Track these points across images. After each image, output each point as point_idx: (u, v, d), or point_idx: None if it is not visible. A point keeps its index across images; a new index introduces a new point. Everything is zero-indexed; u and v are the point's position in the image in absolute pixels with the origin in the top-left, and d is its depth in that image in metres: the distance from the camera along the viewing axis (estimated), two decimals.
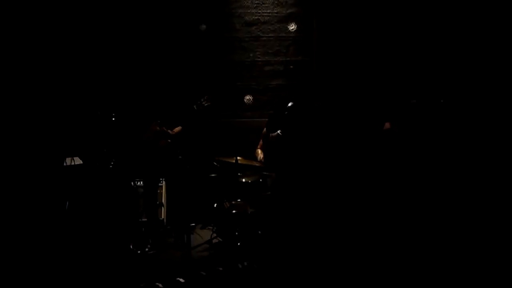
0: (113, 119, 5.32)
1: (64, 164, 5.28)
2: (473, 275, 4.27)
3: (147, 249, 5.15)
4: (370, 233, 5.02)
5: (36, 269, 4.67)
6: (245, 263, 4.83)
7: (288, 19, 6.40)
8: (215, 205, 5.31)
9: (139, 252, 5.11)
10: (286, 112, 5.22)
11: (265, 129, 5.52)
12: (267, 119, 5.50)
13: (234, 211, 5.14)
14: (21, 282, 4.45)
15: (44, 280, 4.51)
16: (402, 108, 5.05)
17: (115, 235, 5.28)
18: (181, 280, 4.77)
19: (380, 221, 5.06)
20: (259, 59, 6.40)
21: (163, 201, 5.72)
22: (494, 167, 5.24)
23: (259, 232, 5.11)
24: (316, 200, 5.19)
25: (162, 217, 5.73)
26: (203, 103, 5.46)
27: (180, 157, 5.46)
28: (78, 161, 5.40)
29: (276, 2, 6.40)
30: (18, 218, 5.15)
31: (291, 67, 6.30)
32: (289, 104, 5.22)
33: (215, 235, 5.35)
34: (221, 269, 4.87)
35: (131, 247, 5.13)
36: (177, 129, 5.54)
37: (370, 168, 5.22)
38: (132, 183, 5.54)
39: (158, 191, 5.67)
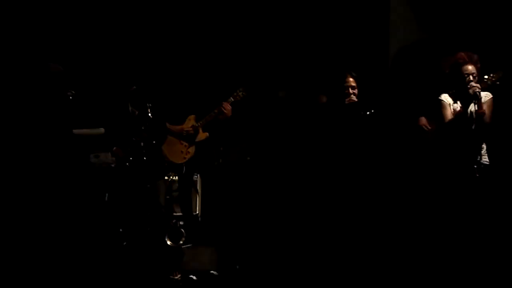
0: (149, 111, 5.38)
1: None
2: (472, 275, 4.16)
3: (181, 243, 5.22)
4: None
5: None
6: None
7: None
8: None
9: (173, 245, 5.18)
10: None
11: None
12: None
13: None
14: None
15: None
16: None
17: (150, 229, 5.38)
18: (215, 273, 4.88)
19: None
20: None
21: (198, 195, 5.79)
22: None
23: None
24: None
25: (197, 211, 5.80)
26: (239, 94, 5.50)
27: (221, 148, 5.54)
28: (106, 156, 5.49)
29: None
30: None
31: None
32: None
33: None
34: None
35: (166, 240, 5.21)
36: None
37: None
38: (166, 177, 5.64)
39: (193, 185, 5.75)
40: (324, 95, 5.59)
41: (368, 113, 4.94)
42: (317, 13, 6.27)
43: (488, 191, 4.36)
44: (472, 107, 4.31)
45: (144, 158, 5.32)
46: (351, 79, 4.98)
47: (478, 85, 4.27)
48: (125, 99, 5.52)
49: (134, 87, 5.44)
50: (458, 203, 4.35)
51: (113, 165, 5.43)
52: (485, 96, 4.36)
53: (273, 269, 4.81)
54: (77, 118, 5.47)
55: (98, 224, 5.16)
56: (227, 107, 5.45)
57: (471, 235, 4.28)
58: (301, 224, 5.19)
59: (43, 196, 5.02)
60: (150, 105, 5.31)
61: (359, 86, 4.98)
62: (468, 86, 4.27)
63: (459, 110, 4.41)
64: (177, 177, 5.68)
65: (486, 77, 4.52)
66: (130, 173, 5.42)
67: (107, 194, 5.33)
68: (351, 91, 4.96)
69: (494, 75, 4.55)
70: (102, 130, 5.54)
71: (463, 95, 4.36)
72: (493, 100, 4.40)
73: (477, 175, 4.34)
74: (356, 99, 4.97)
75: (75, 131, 5.32)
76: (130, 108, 5.36)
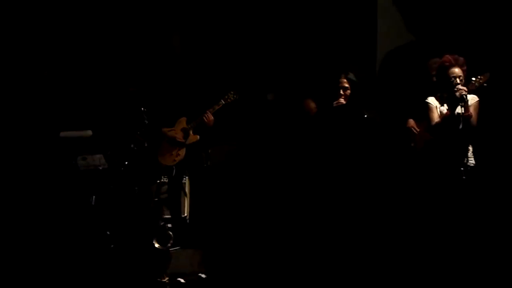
0: (144, 117, 5.37)
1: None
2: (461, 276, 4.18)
3: (169, 245, 5.21)
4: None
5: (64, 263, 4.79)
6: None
7: None
8: None
9: (162, 248, 5.17)
10: None
11: None
12: None
13: None
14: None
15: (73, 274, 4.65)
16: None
17: (138, 231, 5.36)
18: (203, 276, 4.87)
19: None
20: None
21: (187, 198, 5.78)
22: None
23: None
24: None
25: (185, 214, 5.79)
26: (231, 97, 5.52)
27: (210, 151, 5.55)
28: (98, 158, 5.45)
29: None
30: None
31: None
32: None
33: None
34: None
35: (154, 243, 5.20)
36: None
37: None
38: (158, 180, 5.63)
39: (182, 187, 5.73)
40: (311, 99, 5.61)
41: (365, 116, 4.97)
42: (305, 18, 6.30)
43: (474, 192, 4.39)
44: (459, 110, 4.33)
45: (139, 161, 5.33)
46: (344, 80, 5.01)
47: (464, 88, 4.29)
48: (122, 102, 5.53)
49: (132, 88, 5.45)
50: (445, 205, 4.37)
51: (100, 168, 5.40)
52: (472, 98, 4.38)
53: (262, 271, 4.81)
54: (71, 120, 5.49)
55: (85, 227, 5.15)
56: (209, 118, 5.49)
57: (458, 236, 4.30)
58: (289, 225, 5.21)
59: (29, 198, 5.01)
60: (144, 109, 5.33)
61: (352, 88, 5.01)
62: (455, 89, 4.29)
63: (446, 113, 4.43)
64: (166, 179, 5.67)
65: (473, 79, 4.55)
66: (123, 176, 5.41)
67: (93, 197, 5.32)
68: (342, 92, 4.98)
69: (482, 77, 4.57)
70: (89, 132, 5.52)
71: (450, 98, 4.38)
72: (480, 102, 4.42)
73: (464, 176, 4.36)
74: (344, 102, 4.98)
75: (62, 133, 5.31)
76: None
